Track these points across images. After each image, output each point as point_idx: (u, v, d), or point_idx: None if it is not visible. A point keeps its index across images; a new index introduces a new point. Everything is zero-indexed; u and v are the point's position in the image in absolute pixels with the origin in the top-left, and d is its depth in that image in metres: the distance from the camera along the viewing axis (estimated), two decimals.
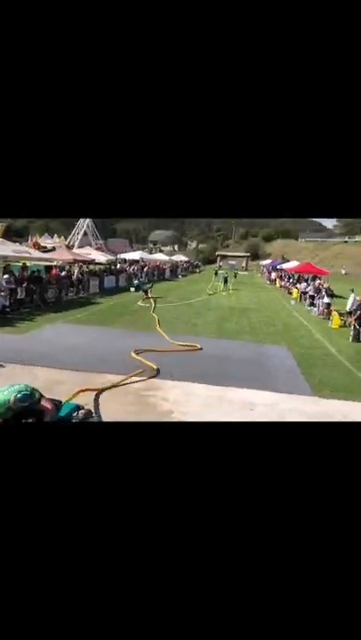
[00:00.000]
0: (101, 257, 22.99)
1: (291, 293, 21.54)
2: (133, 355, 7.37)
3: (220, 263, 52.39)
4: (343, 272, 40.69)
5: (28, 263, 14.64)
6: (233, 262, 52.52)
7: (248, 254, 59.25)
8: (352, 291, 13.16)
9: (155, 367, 6.67)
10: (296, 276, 24.28)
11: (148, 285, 18.62)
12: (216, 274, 33.00)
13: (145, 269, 25.99)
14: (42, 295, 13.40)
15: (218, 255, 58.30)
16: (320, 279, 19.67)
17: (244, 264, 55.65)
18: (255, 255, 61.86)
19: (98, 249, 30.60)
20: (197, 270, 43.88)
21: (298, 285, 20.78)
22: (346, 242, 56.06)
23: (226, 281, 25.31)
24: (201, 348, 8.40)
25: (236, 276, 34.64)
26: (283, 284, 26.61)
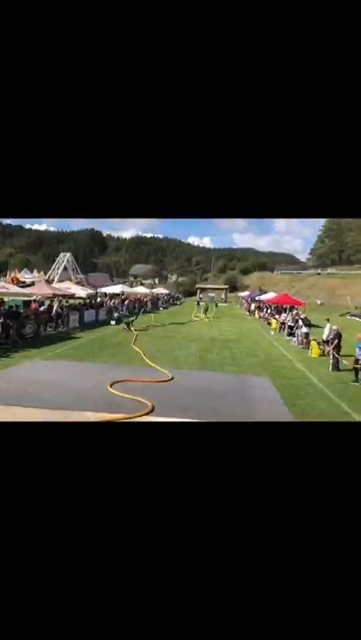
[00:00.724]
0: (81, 291, 22.90)
1: (270, 324, 21.85)
2: (111, 390, 7.32)
3: (201, 295, 53.59)
4: (319, 302, 41.75)
5: (5, 298, 14.38)
6: (212, 294, 54.05)
7: (227, 286, 60.59)
8: (328, 320, 13.41)
9: (150, 404, 6.46)
10: (274, 307, 24.73)
11: (131, 318, 18.48)
12: (198, 304, 35.90)
13: (126, 302, 26.00)
14: (19, 331, 13.08)
15: (198, 288, 60.46)
16: (297, 309, 20.05)
17: (223, 296, 56.89)
18: (233, 287, 63.73)
19: (78, 283, 30.60)
20: (178, 302, 44.90)
21: (277, 316, 21.10)
22: (319, 274, 59.05)
23: (206, 310, 28.88)
24: (171, 379, 8.32)
25: (216, 306, 36.25)
26: (262, 314, 27.03)
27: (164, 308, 33.28)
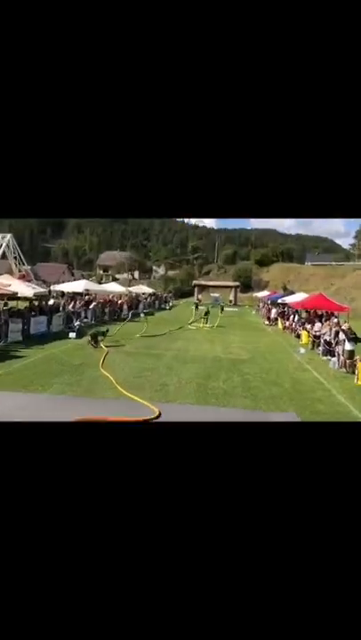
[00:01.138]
0: (27, 289, 22.77)
1: (299, 337, 21.94)
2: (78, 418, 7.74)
3: (200, 296, 53.08)
4: None
5: None
6: (217, 295, 53.37)
7: (237, 284, 60.20)
8: None
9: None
10: (305, 314, 24.81)
11: (102, 330, 18.40)
12: (197, 307, 36.00)
13: (92, 306, 25.93)
14: None
15: (196, 285, 58.67)
16: (338, 317, 20.14)
17: (231, 297, 56.42)
18: (247, 285, 62.94)
19: (22, 277, 30.45)
20: (167, 306, 45.14)
21: (308, 326, 21.19)
22: None
23: (207, 316, 29.38)
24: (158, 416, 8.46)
25: (222, 311, 36.09)
26: (287, 324, 27.12)
27: (145, 314, 33.02)
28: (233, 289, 58.42)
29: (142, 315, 31.72)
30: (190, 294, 58.23)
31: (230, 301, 52.67)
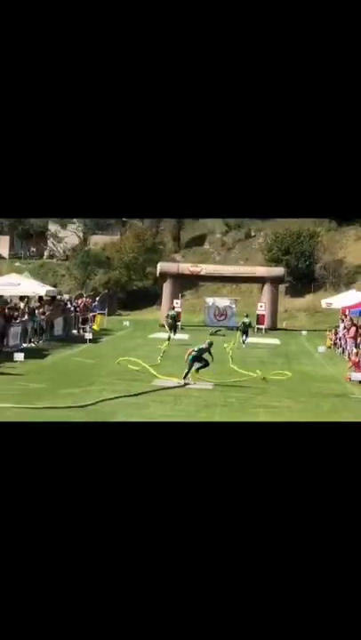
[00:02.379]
0: None
1: None
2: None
3: (177, 303, 30.80)
4: None
5: None
6: (225, 301, 32.88)
7: (280, 273, 33.50)
8: None
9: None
10: None
11: None
12: (169, 340, 21.98)
13: None
14: None
15: (164, 275, 32.81)
16: None
17: (265, 307, 30.45)
18: (301, 278, 38.47)
19: None
20: (85, 333, 23.89)
21: None
22: None
23: (199, 362, 15.25)
24: None
25: (244, 342, 23.62)
26: None
27: (32, 343, 19.96)
28: (269, 286, 31.55)
29: (17, 357, 16.49)
30: (152, 300, 38.50)
31: (260, 322, 28.98)
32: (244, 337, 24.09)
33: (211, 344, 15.43)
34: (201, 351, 14.99)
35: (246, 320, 25.32)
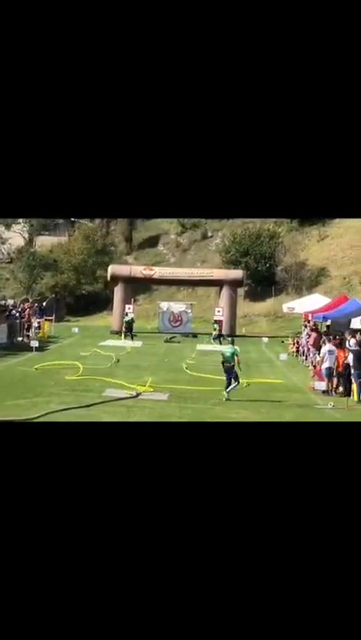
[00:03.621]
0: None
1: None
2: None
3: (129, 309, 30.40)
4: None
5: None
6: (179, 306, 33.98)
7: (238, 276, 34.24)
8: None
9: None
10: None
11: None
12: (119, 358, 21.25)
13: None
14: None
15: (116, 279, 33.27)
16: None
17: (222, 311, 31.26)
18: (262, 281, 39.78)
19: None
20: (31, 340, 24.84)
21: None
22: None
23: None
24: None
25: (221, 342, 25.41)
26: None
27: None
28: (227, 289, 32.71)
29: None
30: (103, 305, 39.09)
31: (217, 328, 28.88)
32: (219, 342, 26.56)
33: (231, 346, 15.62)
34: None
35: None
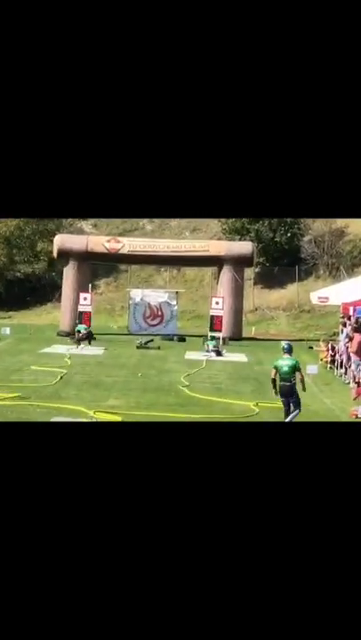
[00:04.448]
0: None
1: None
2: None
3: (86, 301, 30.94)
4: None
5: None
6: (167, 299, 34.72)
7: (249, 252, 34.88)
8: None
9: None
10: None
11: None
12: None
13: None
14: None
15: (62, 255, 34.03)
16: None
17: (222, 303, 30.79)
18: (282, 253, 40.28)
19: None
20: None
21: None
22: None
23: None
24: None
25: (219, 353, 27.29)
26: None
27: None
28: (229, 271, 33.37)
29: None
30: (46, 294, 39.90)
31: (215, 327, 29.75)
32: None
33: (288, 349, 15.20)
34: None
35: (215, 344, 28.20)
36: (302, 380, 14.53)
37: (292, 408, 14.29)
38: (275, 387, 14.47)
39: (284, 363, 14.42)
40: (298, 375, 14.36)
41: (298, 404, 14.36)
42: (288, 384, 14.22)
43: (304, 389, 14.69)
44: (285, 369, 14.24)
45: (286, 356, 14.64)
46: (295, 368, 14.32)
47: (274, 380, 14.46)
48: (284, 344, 15.24)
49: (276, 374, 14.40)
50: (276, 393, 14.57)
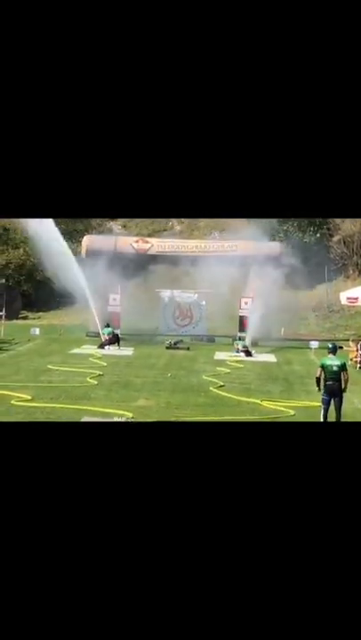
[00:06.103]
0: None
1: None
2: None
3: (115, 301, 32.13)
4: None
5: None
6: (196, 299, 34.34)
7: (277, 252, 34.53)
8: None
9: None
10: None
11: None
12: None
13: None
14: None
15: (90, 256, 32.71)
16: None
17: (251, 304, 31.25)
18: (312, 253, 39.18)
19: None
20: None
21: None
22: None
23: None
24: None
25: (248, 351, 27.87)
26: None
27: None
28: (258, 271, 31.66)
29: None
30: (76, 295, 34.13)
31: (244, 327, 30.69)
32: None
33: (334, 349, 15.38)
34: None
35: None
36: (347, 381, 14.57)
37: (336, 406, 14.43)
38: (319, 385, 14.63)
39: (333, 362, 14.57)
40: (343, 375, 14.47)
41: (341, 403, 14.57)
42: (338, 383, 14.38)
43: (345, 390, 14.64)
44: (335, 368, 14.42)
45: (331, 355, 14.80)
46: (343, 367, 14.53)
47: (318, 379, 14.62)
48: (329, 344, 15.44)
49: (321, 373, 14.54)
50: (320, 391, 14.66)
